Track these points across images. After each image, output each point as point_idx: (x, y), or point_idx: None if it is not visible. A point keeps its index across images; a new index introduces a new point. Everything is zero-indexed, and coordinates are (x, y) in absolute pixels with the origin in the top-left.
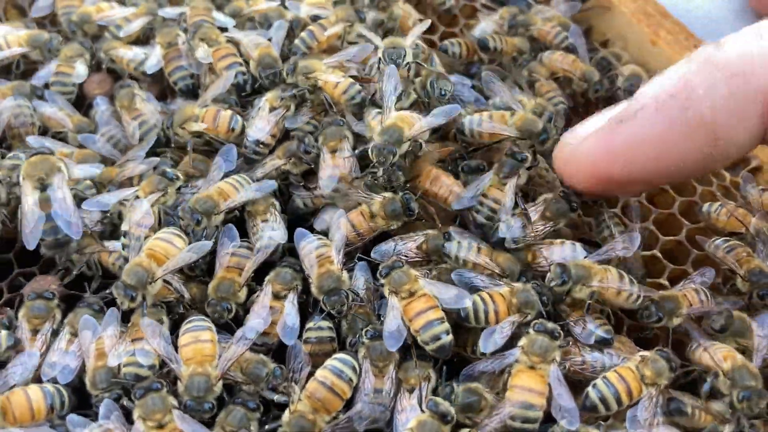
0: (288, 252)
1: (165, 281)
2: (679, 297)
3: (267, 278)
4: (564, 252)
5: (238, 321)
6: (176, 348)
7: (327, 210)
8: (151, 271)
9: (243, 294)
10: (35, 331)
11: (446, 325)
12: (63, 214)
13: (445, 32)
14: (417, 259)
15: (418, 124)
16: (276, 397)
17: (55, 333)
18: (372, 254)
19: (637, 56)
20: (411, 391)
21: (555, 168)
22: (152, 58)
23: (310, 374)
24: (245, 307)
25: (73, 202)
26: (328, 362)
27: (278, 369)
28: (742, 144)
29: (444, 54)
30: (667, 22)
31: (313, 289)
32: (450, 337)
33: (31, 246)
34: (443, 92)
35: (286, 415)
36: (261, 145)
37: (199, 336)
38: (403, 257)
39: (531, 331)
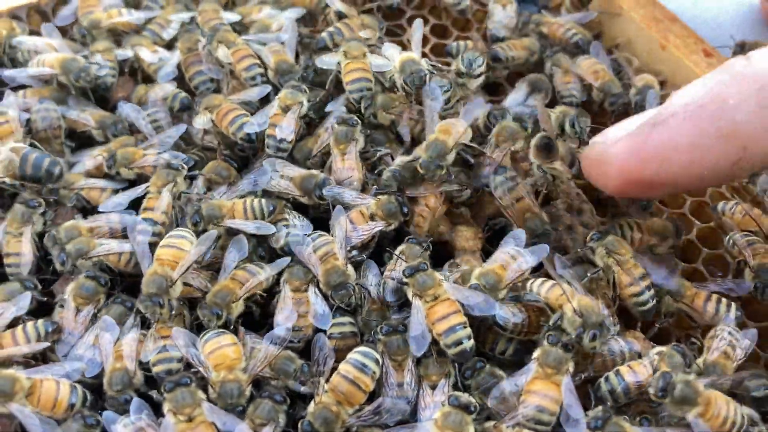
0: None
1: (186, 283)
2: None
3: (282, 279)
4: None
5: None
6: None
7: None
8: (168, 276)
9: (237, 308)
10: (78, 311)
11: (468, 330)
12: None
13: (458, 36)
14: None
15: (455, 131)
16: (303, 389)
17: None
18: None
19: (646, 60)
20: (433, 387)
21: (583, 168)
22: (167, 66)
23: (335, 368)
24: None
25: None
26: (350, 356)
27: (306, 365)
28: (765, 157)
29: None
30: (676, 27)
31: (322, 286)
32: (471, 342)
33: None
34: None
35: (311, 407)
36: (284, 142)
37: (221, 341)
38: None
39: (545, 342)
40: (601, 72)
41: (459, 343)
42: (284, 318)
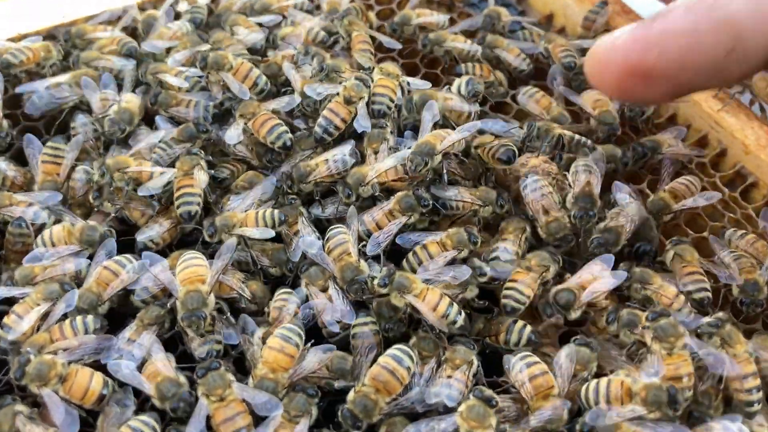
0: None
1: (224, 284)
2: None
3: (304, 284)
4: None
5: None
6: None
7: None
8: (200, 290)
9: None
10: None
11: (456, 307)
12: None
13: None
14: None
15: (447, 138)
16: (336, 384)
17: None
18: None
19: None
20: (454, 368)
21: (587, 69)
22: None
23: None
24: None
25: None
26: (389, 351)
27: None
28: (758, 50)
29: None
30: None
31: (339, 281)
32: (463, 315)
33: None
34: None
35: (351, 395)
36: (331, 126)
37: (284, 348)
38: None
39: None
40: (598, 101)
41: (454, 322)
42: (331, 316)
